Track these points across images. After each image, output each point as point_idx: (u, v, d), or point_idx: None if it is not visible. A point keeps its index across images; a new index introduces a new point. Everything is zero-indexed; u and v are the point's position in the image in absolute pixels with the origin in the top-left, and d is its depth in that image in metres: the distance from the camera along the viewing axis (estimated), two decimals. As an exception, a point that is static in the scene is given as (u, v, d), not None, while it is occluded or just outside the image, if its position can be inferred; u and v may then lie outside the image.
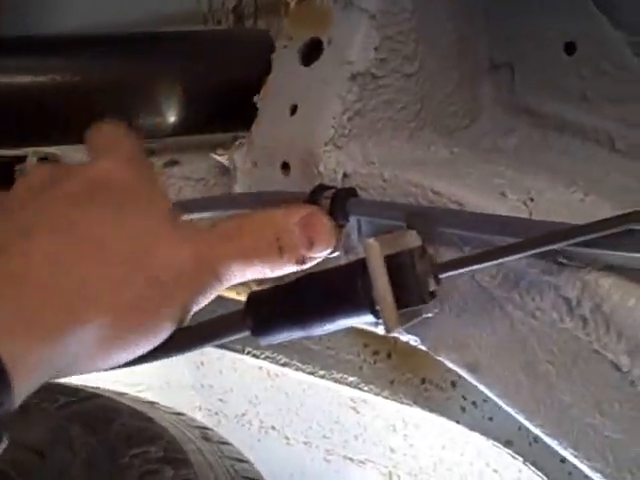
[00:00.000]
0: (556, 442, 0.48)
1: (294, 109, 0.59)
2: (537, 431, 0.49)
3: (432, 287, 0.45)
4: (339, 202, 0.50)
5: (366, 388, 0.85)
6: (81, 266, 0.36)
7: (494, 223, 0.47)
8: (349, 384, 0.86)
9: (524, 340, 0.49)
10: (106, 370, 0.40)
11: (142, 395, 1.39)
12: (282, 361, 0.92)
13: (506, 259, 0.45)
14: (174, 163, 0.70)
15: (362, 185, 0.55)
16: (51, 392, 1.06)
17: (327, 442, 1.44)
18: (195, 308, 0.42)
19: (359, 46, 0.57)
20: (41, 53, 0.65)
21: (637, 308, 0.44)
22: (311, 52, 0.60)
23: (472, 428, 0.77)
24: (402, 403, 0.82)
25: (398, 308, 0.44)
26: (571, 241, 0.43)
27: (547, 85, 0.64)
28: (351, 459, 1.43)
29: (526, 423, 0.50)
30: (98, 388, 1.15)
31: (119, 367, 0.41)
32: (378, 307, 0.43)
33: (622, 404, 0.45)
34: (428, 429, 1.18)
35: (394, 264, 0.44)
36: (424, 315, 0.48)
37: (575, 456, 0.48)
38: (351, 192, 0.53)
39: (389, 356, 0.83)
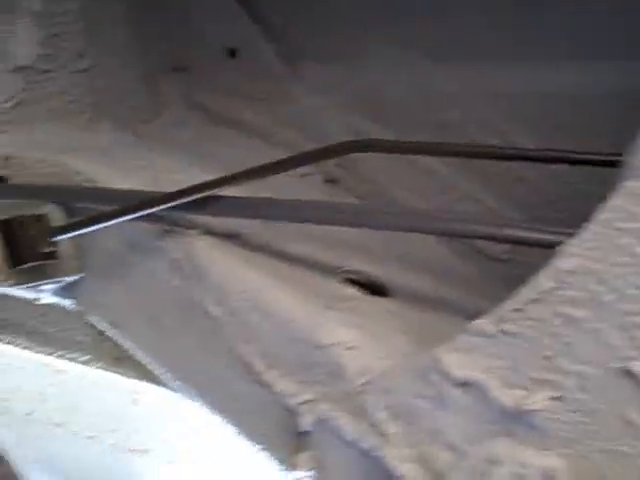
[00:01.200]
0: (179, 381, 0.56)
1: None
2: (167, 376, 0.57)
3: (47, 249, 0.52)
4: None
5: (97, 365, 0.91)
6: None
7: (112, 195, 0.55)
8: (84, 362, 0.92)
9: (148, 297, 0.57)
10: None
11: None
12: (23, 345, 0.97)
13: (110, 223, 0.52)
14: None
15: (21, 164, 0.62)
16: None
17: (111, 436, 1.48)
18: None
19: (22, 41, 0.64)
20: None
21: (220, 264, 0.53)
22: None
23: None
24: (127, 377, 0.89)
25: (13, 266, 0.50)
26: (162, 206, 0.51)
27: (215, 85, 0.73)
28: (134, 450, 1.47)
29: (157, 369, 0.58)
30: None
31: None
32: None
33: (217, 345, 0.53)
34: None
35: (7, 227, 0.50)
36: (59, 278, 0.55)
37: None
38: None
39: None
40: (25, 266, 0.51)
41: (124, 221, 0.52)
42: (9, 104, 0.63)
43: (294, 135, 0.71)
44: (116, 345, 0.88)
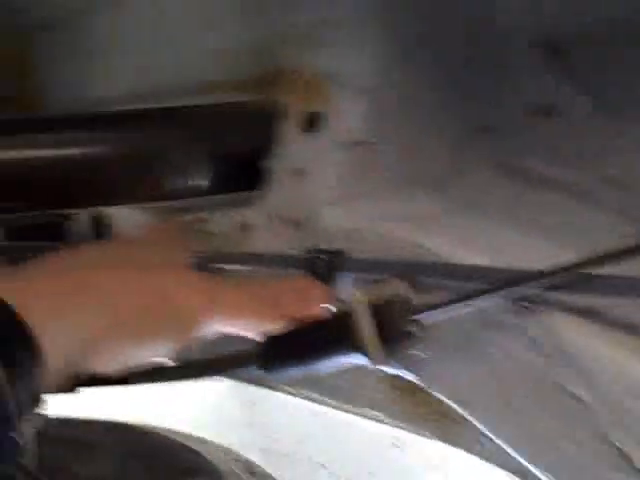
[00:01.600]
0: (536, 469, 0.54)
1: (300, 173, 0.67)
2: (520, 458, 0.55)
3: (412, 328, 0.52)
4: (332, 265, 0.58)
5: (392, 423, 0.90)
6: None
7: (468, 271, 0.53)
8: (376, 419, 0.92)
9: (502, 376, 0.54)
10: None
11: (198, 432, 1.47)
12: (315, 399, 0.99)
13: (470, 302, 0.51)
14: (202, 220, 0.79)
15: (361, 240, 0.63)
16: (111, 429, 1.16)
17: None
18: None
19: (353, 118, 0.65)
20: (89, 128, 0.75)
21: (590, 345, 0.49)
22: (312, 123, 0.68)
23: (489, 460, 0.81)
24: (425, 437, 0.87)
25: (382, 347, 0.51)
26: (533, 285, 0.49)
27: (527, 144, 0.70)
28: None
29: (510, 451, 0.55)
30: (155, 427, 1.23)
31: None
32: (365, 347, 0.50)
33: (585, 432, 0.50)
34: (467, 466, 1.21)
35: (377, 310, 0.51)
36: (412, 355, 0.54)
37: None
38: (340, 254, 0.60)
39: (412, 393, 0.88)
40: (391, 346, 0.51)
41: (491, 300, 0.50)
42: (344, 180, 0.64)
43: (618, 196, 0.66)
44: (416, 404, 0.88)
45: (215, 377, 0.54)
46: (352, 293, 0.53)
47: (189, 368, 0.53)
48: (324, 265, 0.58)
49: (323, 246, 0.65)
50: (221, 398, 1.72)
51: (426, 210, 0.67)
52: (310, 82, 0.69)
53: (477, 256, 0.57)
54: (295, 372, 0.54)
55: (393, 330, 0.51)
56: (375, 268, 0.57)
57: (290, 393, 1.02)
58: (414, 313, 0.52)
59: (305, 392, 1.00)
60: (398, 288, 0.54)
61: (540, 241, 0.59)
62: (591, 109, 0.67)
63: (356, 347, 0.52)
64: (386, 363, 0.51)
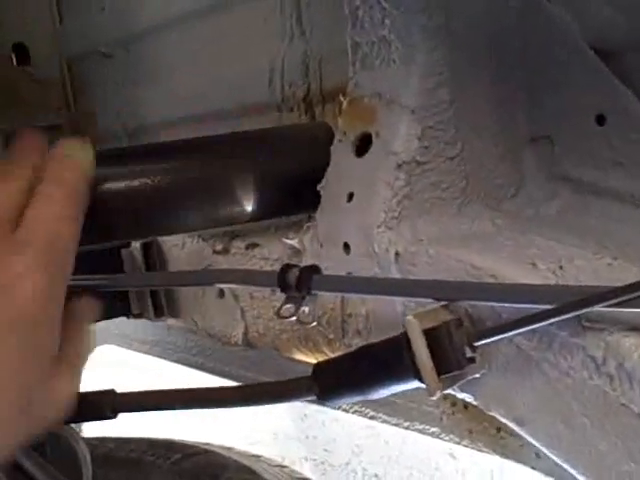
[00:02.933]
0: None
1: (351, 196, 0.68)
2: (580, 478, 0.54)
3: (469, 354, 0.52)
4: (304, 279, 0.59)
5: (446, 438, 0.91)
6: None
7: (523, 293, 0.53)
8: (431, 434, 0.92)
9: (560, 395, 0.54)
10: None
11: (253, 447, 1.48)
12: (369, 415, 0.99)
13: (533, 327, 0.51)
14: (255, 245, 0.80)
15: (412, 262, 0.63)
16: (166, 449, 1.18)
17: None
18: None
19: (403, 138, 0.65)
20: (143, 160, 0.76)
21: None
22: (362, 145, 0.68)
23: (547, 474, 0.81)
24: (481, 451, 0.87)
25: (438, 374, 0.51)
26: (600, 306, 0.49)
27: (583, 153, 0.69)
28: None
29: (570, 471, 0.55)
30: (209, 444, 1.25)
31: None
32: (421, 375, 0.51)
33: (649, 452, 0.50)
34: (523, 475, 1.21)
35: (432, 336, 0.51)
36: (468, 377, 0.55)
37: (616, 502, 0.52)
38: (314, 270, 0.61)
39: (466, 407, 0.88)
40: (450, 375, 0.51)
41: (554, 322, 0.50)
42: (394, 201, 0.64)
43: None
44: (470, 418, 0.88)
45: (267, 404, 0.55)
46: (406, 318, 0.53)
47: (242, 395, 0.54)
48: (296, 280, 0.59)
49: (376, 271, 0.65)
50: (274, 413, 1.74)
51: (480, 228, 0.67)
52: (358, 103, 0.70)
53: (536, 274, 0.57)
54: (349, 399, 0.54)
55: (450, 357, 0.51)
56: (428, 291, 0.57)
57: (343, 409, 1.03)
58: (472, 338, 0.52)
59: (358, 408, 1.01)
60: (454, 312, 0.54)
61: (604, 256, 0.59)
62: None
63: (411, 374, 0.52)
64: (442, 390, 0.51)
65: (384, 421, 0.98)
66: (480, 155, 0.69)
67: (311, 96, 0.93)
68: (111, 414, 0.55)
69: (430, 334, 0.51)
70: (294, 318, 0.59)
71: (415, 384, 0.52)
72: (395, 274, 0.65)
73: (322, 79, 0.91)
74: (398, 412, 0.96)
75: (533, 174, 0.72)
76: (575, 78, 0.69)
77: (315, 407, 1.52)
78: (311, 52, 0.90)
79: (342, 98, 0.73)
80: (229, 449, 1.25)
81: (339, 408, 1.02)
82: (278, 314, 0.59)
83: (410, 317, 0.51)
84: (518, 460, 0.83)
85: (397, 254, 0.64)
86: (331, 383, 0.54)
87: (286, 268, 0.61)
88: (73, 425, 0.62)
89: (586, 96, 0.69)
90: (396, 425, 0.96)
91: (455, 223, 0.67)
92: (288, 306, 0.59)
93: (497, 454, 0.86)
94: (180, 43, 1.15)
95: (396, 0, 0.68)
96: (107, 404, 0.55)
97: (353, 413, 1.01)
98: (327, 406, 0.55)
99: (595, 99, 0.68)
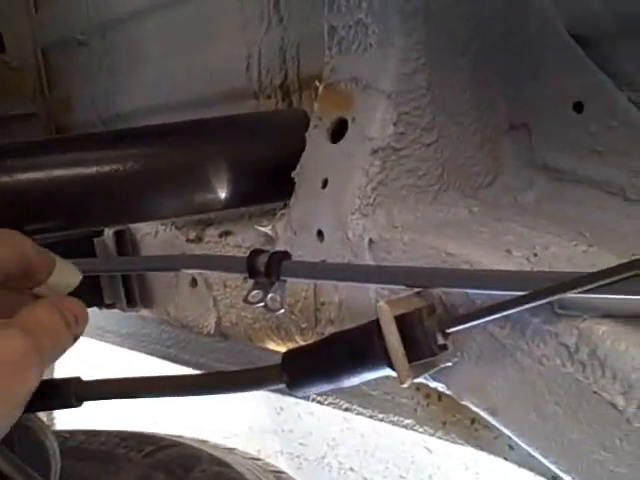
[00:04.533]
0: (569, 477, 0.53)
1: (325, 182, 0.67)
2: (552, 467, 0.54)
3: (441, 341, 0.51)
4: (273, 265, 0.57)
5: (421, 430, 0.90)
6: None
7: (496, 279, 0.52)
8: (405, 426, 0.91)
9: (533, 384, 0.53)
10: None
11: (228, 441, 1.47)
12: (344, 407, 0.98)
13: (505, 313, 0.50)
14: (228, 233, 0.79)
15: (386, 249, 0.62)
16: (138, 441, 1.16)
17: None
18: None
19: (378, 123, 0.64)
20: (112, 145, 0.75)
21: (628, 352, 0.48)
22: (338, 130, 0.67)
23: (521, 465, 0.80)
24: (455, 443, 0.87)
25: (410, 362, 0.50)
26: (565, 293, 0.48)
27: (561, 141, 0.68)
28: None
29: (542, 459, 0.54)
30: (181, 436, 1.23)
31: None
32: (391, 362, 0.49)
33: (622, 440, 0.49)
34: (498, 466, 1.20)
35: (404, 323, 0.50)
36: (441, 365, 0.54)
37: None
38: (284, 255, 0.60)
39: (440, 399, 0.87)
40: (421, 362, 0.50)
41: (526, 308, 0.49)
42: (369, 187, 0.63)
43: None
44: (445, 410, 0.87)
45: (237, 392, 0.54)
46: (378, 304, 0.52)
47: (209, 383, 0.53)
48: (264, 266, 0.58)
49: (350, 258, 0.64)
50: (249, 406, 1.73)
51: (456, 215, 0.66)
52: (335, 88, 0.69)
53: (510, 261, 0.56)
54: (320, 388, 0.53)
55: (422, 344, 0.50)
56: (401, 278, 0.56)
57: (318, 401, 1.02)
58: (443, 325, 0.51)
59: (332, 400, 0.99)
60: (427, 299, 0.53)
61: (580, 243, 0.58)
62: (625, 103, 0.66)
63: (382, 361, 0.51)
64: (414, 377, 0.50)
65: (359, 413, 0.97)
66: (457, 142, 0.68)
67: (288, 83, 0.92)
68: (76, 402, 0.54)
69: (402, 321, 0.50)
70: (262, 304, 0.58)
71: (386, 372, 0.51)
72: (369, 261, 0.64)
73: (300, 65, 0.90)
74: (372, 404, 0.94)
75: (511, 162, 0.71)
76: (554, 66, 0.68)
77: (291, 400, 1.51)
78: (288, 38, 0.88)
79: (318, 83, 0.72)
80: (202, 442, 1.23)
81: (313, 400, 1.01)
82: (246, 300, 0.58)
83: (382, 303, 0.50)
84: (492, 452, 0.83)
85: (371, 241, 0.63)
86: (300, 371, 0.53)
87: (255, 254, 0.59)
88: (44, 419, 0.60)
89: (564, 84, 0.68)
90: (371, 417, 0.95)
91: (431, 210, 0.66)
92: (256, 292, 0.58)
93: (471, 446, 0.85)
94: (156, 30, 1.14)
95: (374, -16, 0.67)
96: (71, 392, 0.53)
97: (328, 405, 1.00)
98: (296, 395, 0.54)
99: (573, 87, 0.67)
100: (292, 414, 1.61)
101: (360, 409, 0.96)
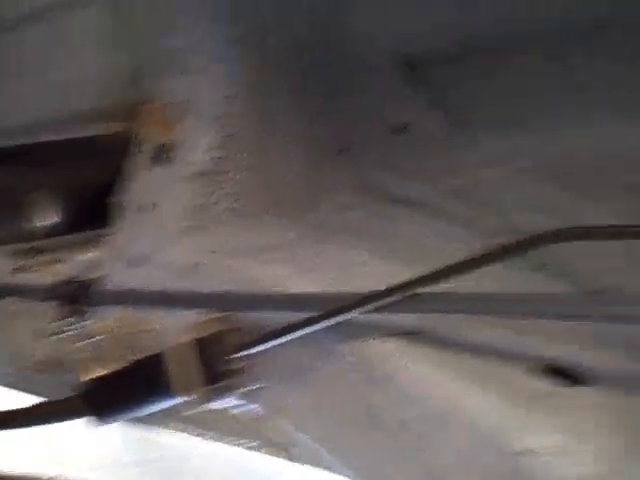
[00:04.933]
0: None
1: (148, 207, 0.66)
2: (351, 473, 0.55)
3: (237, 365, 0.51)
4: (81, 294, 0.58)
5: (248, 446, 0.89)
6: None
7: (298, 301, 0.53)
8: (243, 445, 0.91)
9: (331, 402, 0.54)
10: None
11: (92, 474, 1.42)
12: (196, 432, 0.97)
13: (294, 335, 0.51)
14: (57, 261, 0.77)
15: (207, 274, 0.62)
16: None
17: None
18: None
19: (201, 147, 0.65)
20: None
21: (408, 368, 0.50)
22: (161, 154, 0.67)
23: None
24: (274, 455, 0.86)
25: (206, 385, 0.50)
26: (356, 311, 0.49)
27: (383, 163, 0.71)
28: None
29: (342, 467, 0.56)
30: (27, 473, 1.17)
31: None
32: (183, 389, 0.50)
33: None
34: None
35: (203, 347, 0.50)
36: (243, 389, 0.54)
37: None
38: (93, 283, 0.60)
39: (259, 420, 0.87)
40: (218, 385, 0.50)
41: (316, 330, 0.50)
42: (189, 212, 0.63)
43: (468, 210, 0.68)
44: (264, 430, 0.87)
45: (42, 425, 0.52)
46: (177, 331, 0.52)
47: (13, 417, 0.51)
48: (73, 295, 0.58)
49: (171, 283, 0.64)
50: (110, 439, 1.67)
51: (278, 239, 0.67)
52: (163, 112, 0.68)
53: (319, 283, 0.57)
54: (124, 417, 0.52)
55: (215, 368, 0.50)
56: (210, 302, 0.56)
57: (165, 428, 1.00)
58: (241, 348, 0.51)
59: (174, 424, 0.98)
60: (233, 323, 0.53)
61: (387, 260, 0.60)
62: (447, 125, 0.68)
63: (174, 389, 0.51)
64: (209, 402, 0.51)
65: (196, 434, 0.95)
66: (282, 165, 0.69)
67: (131, 105, 0.91)
68: None
69: (200, 345, 0.50)
70: (71, 333, 0.56)
71: (177, 399, 0.51)
72: (191, 286, 0.64)
73: (141, 88, 0.89)
74: (209, 427, 0.93)
75: (336, 185, 0.73)
76: (374, 89, 0.71)
77: (153, 429, 1.47)
78: (123, 60, 0.88)
79: (148, 107, 0.72)
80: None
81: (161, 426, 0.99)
82: (53, 330, 0.57)
83: (181, 329, 0.50)
84: (303, 462, 0.82)
85: (194, 265, 0.62)
86: (101, 401, 0.52)
87: (65, 282, 0.58)
88: None
89: (385, 107, 0.70)
90: (212, 439, 0.93)
91: (252, 234, 0.66)
92: (64, 321, 0.57)
93: (286, 459, 0.85)
94: (18, 46, 1.10)
95: (202, 9, 0.68)
96: None
97: (176, 431, 0.98)
98: (102, 424, 0.53)
99: (393, 110, 0.70)
100: (155, 444, 1.57)
101: (198, 431, 0.95)
